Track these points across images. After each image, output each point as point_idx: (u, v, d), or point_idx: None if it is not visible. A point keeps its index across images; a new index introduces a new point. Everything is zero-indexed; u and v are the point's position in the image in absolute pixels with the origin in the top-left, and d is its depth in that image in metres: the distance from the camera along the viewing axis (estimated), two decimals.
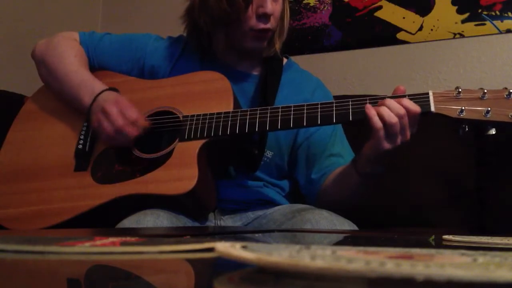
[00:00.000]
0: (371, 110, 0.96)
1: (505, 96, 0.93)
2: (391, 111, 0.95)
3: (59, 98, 1.23)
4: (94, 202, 1.06)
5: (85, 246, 0.42)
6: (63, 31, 1.32)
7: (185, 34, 1.28)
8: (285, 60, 1.30)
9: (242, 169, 1.19)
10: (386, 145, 0.96)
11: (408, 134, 0.96)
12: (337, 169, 1.15)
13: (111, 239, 0.48)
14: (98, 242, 0.45)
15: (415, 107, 0.95)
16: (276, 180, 1.24)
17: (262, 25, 1.13)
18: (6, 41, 1.91)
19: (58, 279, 0.35)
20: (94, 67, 1.27)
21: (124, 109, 1.08)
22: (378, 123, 0.95)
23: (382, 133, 0.95)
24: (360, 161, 1.05)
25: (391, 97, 0.98)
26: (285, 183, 1.26)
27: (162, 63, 1.24)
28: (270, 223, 1.12)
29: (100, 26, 2.33)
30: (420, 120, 0.97)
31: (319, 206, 1.16)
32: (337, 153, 1.20)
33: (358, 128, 1.24)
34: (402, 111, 0.95)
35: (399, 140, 0.96)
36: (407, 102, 0.96)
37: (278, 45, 1.22)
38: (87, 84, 1.16)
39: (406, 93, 1.00)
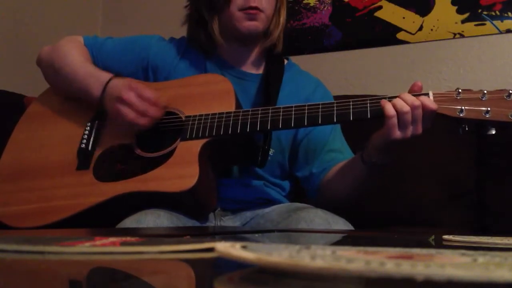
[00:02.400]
0: (385, 101, 0.98)
1: (505, 96, 0.94)
2: (405, 102, 0.96)
3: (67, 96, 1.24)
4: (95, 199, 1.07)
5: (85, 246, 0.42)
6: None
7: (187, 36, 1.29)
8: (285, 61, 1.31)
9: (245, 167, 1.19)
10: (397, 134, 0.96)
11: (420, 127, 0.96)
12: (340, 162, 1.16)
13: (111, 239, 0.48)
14: (98, 242, 0.45)
15: (431, 103, 0.96)
16: (277, 180, 1.24)
17: (250, 3, 1.14)
18: (6, 41, 1.91)
19: (58, 279, 0.35)
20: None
21: (141, 92, 1.08)
22: (391, 110, 0.96)
23: (394, 120, 0.95)
24: (367, 150, 1.05)
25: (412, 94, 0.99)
26: (286, 183, 1.26)
27: (166, 63, 1.25)
28: (267, 223, 1.13)
29: (100, 26, 2.33)
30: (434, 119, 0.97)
31: (320, 200, 1.16)
32: (337, 148, 1.20)
33: (357, 130, 1.25)
34: (416, 102, 0.95)
35: (409, 131, 0.96)
36: (424, 98, 0.97)
37: (275, 33, 1.22)
38: (94, 75, 1.17)
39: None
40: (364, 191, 1.14)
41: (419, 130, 0.96)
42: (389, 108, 0.96)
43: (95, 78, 1.16)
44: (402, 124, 0.95)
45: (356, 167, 1.09)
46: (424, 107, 0.95)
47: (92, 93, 1.15)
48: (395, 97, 0.99)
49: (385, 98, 1.00)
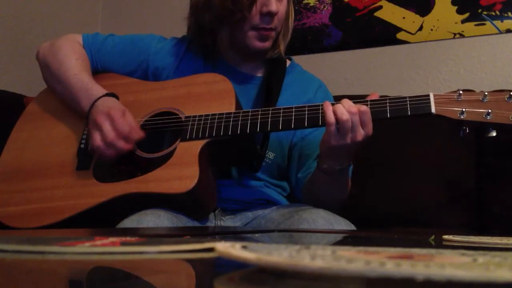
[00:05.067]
0: (328, 106, 0.99)
1: (506, 98, 0.93)
2: (344, 108, 0.97)
3: (61, 100, 1.24)
4: (95, 200, 1.06)
5: (85, 246, 0.42)
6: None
7: (187, 35, 1.28)
8: (288, 62, 1.30)
9: (243, 169, 1.19)
10: (335, 141, 0.97)
11: (359, 134, 0.97)
12: None
13: (111, 239, 0.48)
14: (98, 242, 0.45)
15: (365, 107, 0.97)
16: (277, 181, 1.24)
17: (265, 24, 1.13)
18: (6, 41, 1.91)
19: (58, 279, 0.35)
20: (98, 70, 1.27)
21: (116, 123, 1.07)
22: (331, 118, 0.97)
23: (333, 128, 0.97)
24: (319, 157, 1.06)
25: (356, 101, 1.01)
26: (286, 184, 1.26)
27: (166, 64, 1.25)
28: (268, 223, 1.13)
29: (100, 26, 2.33)
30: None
31: (305, 203, 1.17)
32: None
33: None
34: (353, 109, 0.97)
35: (349, 138, 0.97)
36: (359, 104, 0.98)
37: (282, 46, 1.22)
38: (86, 89, 1.16)
39: (407, 95, 1.00)
40: (336, 197, 1.13)
41: (358, 137, 0.97)
42: (329, 116, 0.97)
43: (86, 93, 1.15)
44: (341, 131, 0.96)
45: (316, 174, 1.10)
46: (360, 112, 0.96)
47: (81, 107, 1.15)
48: (381, 98, 1.00)
49: (387, 98, 1.00)
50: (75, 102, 1.17)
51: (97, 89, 1.15)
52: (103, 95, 1.13)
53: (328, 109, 0.98)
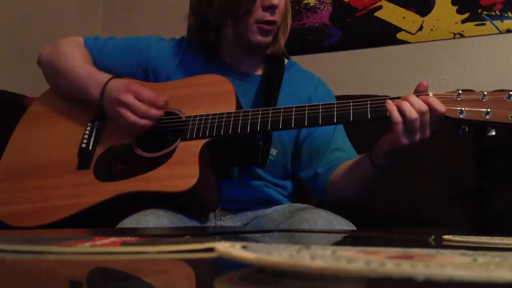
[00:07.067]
0: (391, 105, 0.96)
1: (505, 98, 0.93)
2: (413, 107, 0.94)
3: (68, 96, 1.24)
4: (95, 199, 1.07)
5: (85, 246, 0.42)
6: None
7: (187, 35, 1.28)
8: (286, 61, 1.30)
9: (245, 168, 1.19)
10: (404, 140, 0.95)
11: (428, 132, 0.95)
12: (347, 162, 1.15)
13: (111, 239, 0.48)
14: (98, 242, 0.45)
15: (440, 107, 0.94)
16: (278, 180, 1.24)
17: (268, 17, 1.14)
18: (6, 42, 1.91)
19: (58, 279, 0.35)
20: (100, 70, 1.27)
21: (139, 93, 1.09)
22: (397, 117, 0.94)
23: (401, 127, 0.94)
24: (376, 152, 1.04)
25: (418, 95, 0.97)
26: (287, 184, 1.26)
27: (166, 64, 1.25)
28: (268, 223, 1.13)
29: (100, 26, 2.33)
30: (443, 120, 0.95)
31: (327, 199, 1.16)
32: (340, 147, 1.20)
33: (359, 128, 1.25)
34: (424, 107, 0.94)
35: (417, 136, 0.95)
36: (432, 100, 0.94)
37: (282, 41, 1.22)
38: (93, 76, 1.17)
39: (406, 94, 1.00)
40: (372, 191, 1.14)
41: (427, 134, 0.95)
42: (395, 115, 0.94)
43: (94, 80, 1.16)
44: (409, 131, 0.94)
45: (363, 168, 1.08)
46: (433, 111, 0.94)
47: (92, 95, 1.15)
48: (380, 98, 0.99)
49: (387, 98, 0.99)
50: (84, 92, 1.17)
51: (103, 75, 1.17)
52: (111, 78, 1.15)
53: (392, 107, 0.95)
